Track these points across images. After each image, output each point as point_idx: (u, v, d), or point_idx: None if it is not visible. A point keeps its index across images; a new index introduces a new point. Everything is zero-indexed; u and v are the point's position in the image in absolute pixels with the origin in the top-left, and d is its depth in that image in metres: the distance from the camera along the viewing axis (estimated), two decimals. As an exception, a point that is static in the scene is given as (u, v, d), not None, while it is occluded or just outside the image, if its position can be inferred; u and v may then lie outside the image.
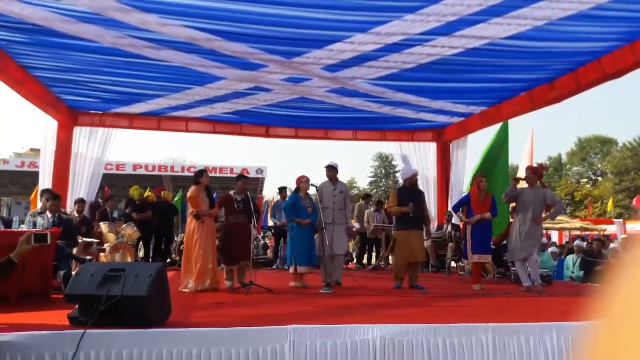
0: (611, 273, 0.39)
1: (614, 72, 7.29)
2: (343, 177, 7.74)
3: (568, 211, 36.23)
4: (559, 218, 18.62)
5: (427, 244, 11.24)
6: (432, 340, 3.91)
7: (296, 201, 7.38)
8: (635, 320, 0.36)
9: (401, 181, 8.19)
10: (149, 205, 10.74)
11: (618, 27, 6.45)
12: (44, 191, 8.14)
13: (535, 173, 7.47)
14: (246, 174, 8.45)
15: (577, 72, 7.90)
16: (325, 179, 7.65)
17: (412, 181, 7.72)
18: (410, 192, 7.64)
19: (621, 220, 21.95)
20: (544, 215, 7.29)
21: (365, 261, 12.44)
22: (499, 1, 5.59)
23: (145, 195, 10.89)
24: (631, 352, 0.35)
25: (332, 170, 7.55)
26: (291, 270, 7.38)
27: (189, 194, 6.87)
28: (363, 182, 58.06)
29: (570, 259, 10.42)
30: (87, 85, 9.12)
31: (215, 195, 9.74)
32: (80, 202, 9.31)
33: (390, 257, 11.73)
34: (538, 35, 6.50)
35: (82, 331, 3.44)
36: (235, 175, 8.44)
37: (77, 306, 3.85)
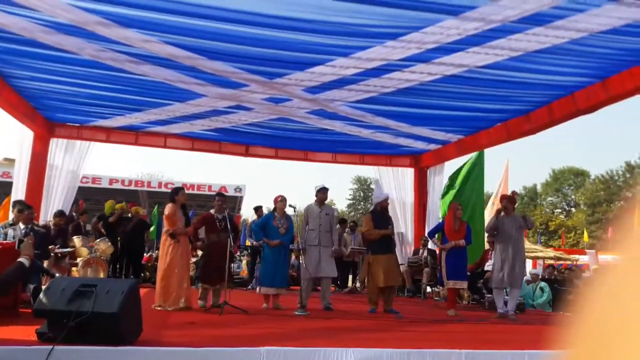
0: (578, 301, 0.41)
1: (587, 107, 7.49)
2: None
3: (542, 240, 36.72)
4: (532, 246, 18.92)
5: (402, 268, 11.32)
6: (404, 365, 3.90)
7: (267, 221, 7.35)
8: (603, 346, 0.37)
9: (372, 205, 8.23)
10: (122, 219, 10.62)
11: (591, 63, 6.67)
12: (16, 202, 7.98)
13: (511, 201, 7.60)
14: (224, 192, 8.44)
15: (551, 106, 8.11)
16: (311, 201, 7.66)
17: (383, 205, 7.79)
18: (382, 216, 7.70)
19: (593, 251, 22.31)
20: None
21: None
22: (476, 31, 5.73)
23: (118, 207, 10.76)
24: None
25: (324, 192, 7.56)
26: (258, 290, 7.32)
27: (166, 211, 6.81)
28: (341, 204, 58.13)
29: (531, 287, 10.58)
30: (65, 97, 9.03)
31: (191, 213, 9.68)
32: (60, 215, 9.12)
33: (366, 281, 11.75)
34: (514, 65, 6.68)
35: (50, 347, 3.37)
36: (213, 193, 8.41)
37: (45, 321, 3.77)
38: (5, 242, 5.95)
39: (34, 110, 9.65)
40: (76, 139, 10.66)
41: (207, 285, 6.99)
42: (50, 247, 7.74)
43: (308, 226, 7.33)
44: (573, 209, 51.96)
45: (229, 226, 7.06)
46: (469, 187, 11.22)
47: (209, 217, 7.21)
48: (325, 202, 7.64)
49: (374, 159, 12.32)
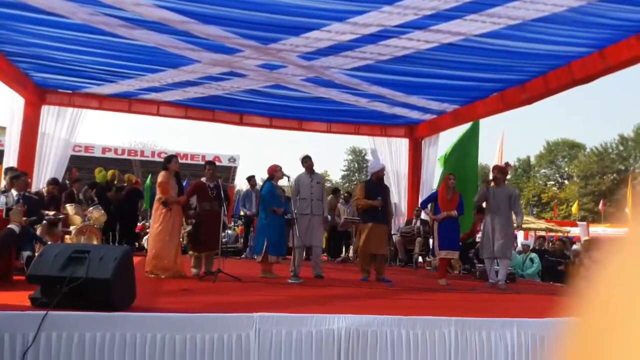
0: (576, 273, 0.40)
1: (583, 77, 7.45)
2: (316, 169, 7.74)
3: (534, 212, 37.04)
4: (525, 218, 19.05)
5: (395, 238, 11.41)
6: (395, 331, 3.95)
7: (272, 189, 7.35)
8: (608, 319, 0.37)
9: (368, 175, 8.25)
10: (115, 187, 10.62)
11: (589, 33, 6.60)
12: (8, 169, 7.92)
13: (502, 172, 7.64)
14: (218, 162, 8.40)
15: (547, 76, 8.05)
16: (300, 170, 7.65)
17: (378, 175, 7.81)
18: (377, 186, 7.72)
19: (584, 223, 22.55)
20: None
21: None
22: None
23: (109, 175, 10.74)
24: (605, 352, 0.36)
25: (309, 160, 7.56)
26: (258, 259, 7.32)
27: (158, 179, 6.77)
28: (336, 175, 58.21)
29: (521, 258, 10.70)
30: (56, 63, 8.88)
31: (185, 182, 9.64)
32: (54, 182, 9.10)
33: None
34: (511, 34, 6.61)
35: (44, 312, 3.38)
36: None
37: (39, 287, 3.78)
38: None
39: (25, 77, 9.50)
40: (68, 105, 10.54)
41: (196, 252, 7.00)
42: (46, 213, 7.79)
43: (299, 195, 7.33)
44: (566, 181, 52.25)
45: (222, 195, 7.06)
46: (462, 158, 11.22)
47: (201, 185, 7.18)
48: (314, 170, 7.62)
49: (369, 129, 12.27)
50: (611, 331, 0.36)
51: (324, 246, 13.23)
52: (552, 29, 6.51)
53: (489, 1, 5.78)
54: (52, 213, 8.03)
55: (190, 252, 7.16)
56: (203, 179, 7.27)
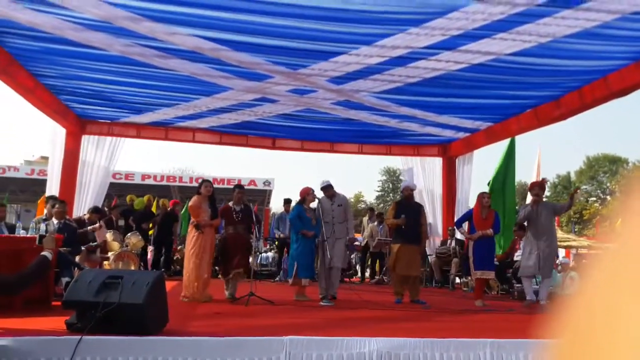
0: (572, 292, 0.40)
1: (620, 89, 7.25)
2: (350, 190, 7.73)
3: (576, 229, 35.97)
4: (565, 236, 18.54)
5: (431, 259, 11.24)
6: (429, 354, 3.87)
7: (301, 212, 7.36)
8: (591, 337, 0.36)
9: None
10: (151, 214, 10.88)
11: (623, 46, 6.45)
12: (49, 197, 8.20)
13: (542, 188, 7.61)
14: (253, 185, 8.48)
15: (582, 90, 7.88)
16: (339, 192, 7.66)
17: (405, 194, 7.74)
18: (407, 205, 7.64)
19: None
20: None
21: (367, 274, 12.37)
22: (502, 16, 5.60)
23: (145, 200, 11.02)
24: None
25: (327, 190, 7.50)
26: (291, 282, 7.32)
27: (190, 203, 6.92)
28: (370, 196, 57.91)
29: (560, 277, 10.36)
30: (95, 94, 9.22)
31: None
32: (95, 211, 9.38)
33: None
34: (543, 52, 6.50)
35: (79, 337, 3.45)
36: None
37: (74, 312, 3.87)
38: (27, 235, 6.12)
39: (66, 108, 9.88)
40: (107, 135, 10.89)
41: (222, 275, 7.05)
42: (96, 226, 8.40)
43: (323, 219, 7.31)
44: (608, 197, 50.62)
45: (254, 218, 7.12)
46: (500, 176, 11.02)
47: (226, 210, 7.27)
48: (335, 193, 7.55)
49: (401, 149, 12.20)
50: (592, 345, 0.36)
51: (358, 267, 13.15)
52: (584, 45, 6.39)
53: (517, 19, 5.71)
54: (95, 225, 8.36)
55: (220, 276, 7.22)
56: (230, 203, 7.36)
